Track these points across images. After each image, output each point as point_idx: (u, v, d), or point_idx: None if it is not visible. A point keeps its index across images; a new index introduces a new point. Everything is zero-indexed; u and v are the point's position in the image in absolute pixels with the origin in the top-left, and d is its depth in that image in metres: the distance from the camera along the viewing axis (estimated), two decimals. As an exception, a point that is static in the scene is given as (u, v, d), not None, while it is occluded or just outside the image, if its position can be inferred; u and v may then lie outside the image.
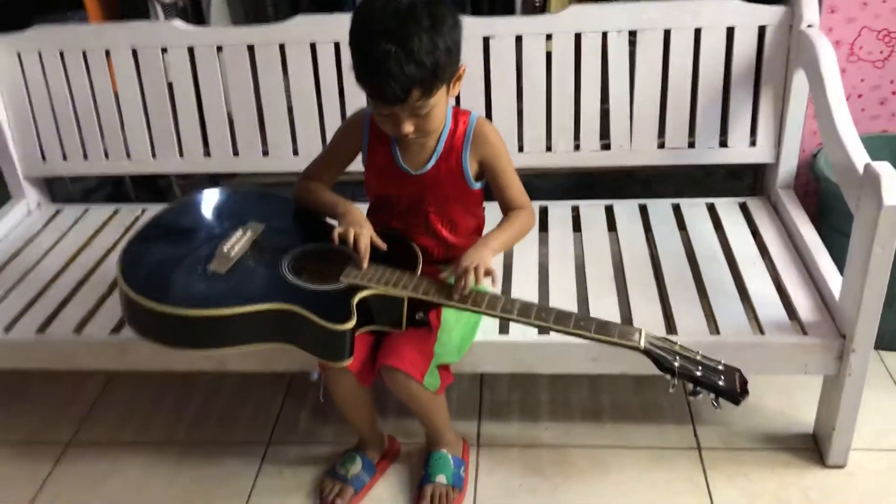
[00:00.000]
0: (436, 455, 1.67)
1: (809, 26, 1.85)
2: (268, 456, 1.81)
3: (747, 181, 2.39)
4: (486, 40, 1.99)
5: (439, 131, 1.51)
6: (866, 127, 2.07)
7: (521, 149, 2.08)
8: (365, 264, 1.48)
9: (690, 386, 1.36)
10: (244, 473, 1.77)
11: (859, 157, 1.52)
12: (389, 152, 1.56)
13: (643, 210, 2.09)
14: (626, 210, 2.09)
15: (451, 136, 1.53)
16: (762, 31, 1.92)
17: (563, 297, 1.76)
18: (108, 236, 2.11)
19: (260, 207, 1.71)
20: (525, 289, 1.79)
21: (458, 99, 2.02)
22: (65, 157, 2.19)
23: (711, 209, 2.08)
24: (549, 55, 1.99)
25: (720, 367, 1.38)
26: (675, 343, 1.41)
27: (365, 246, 1.47)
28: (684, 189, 2.45)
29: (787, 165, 2.02)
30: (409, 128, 1.41)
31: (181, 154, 2.17)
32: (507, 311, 1.43)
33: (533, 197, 1.65)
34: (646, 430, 1.81)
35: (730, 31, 1.93)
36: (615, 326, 1.41)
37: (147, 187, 2.72)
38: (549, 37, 1.97)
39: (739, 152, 2.04)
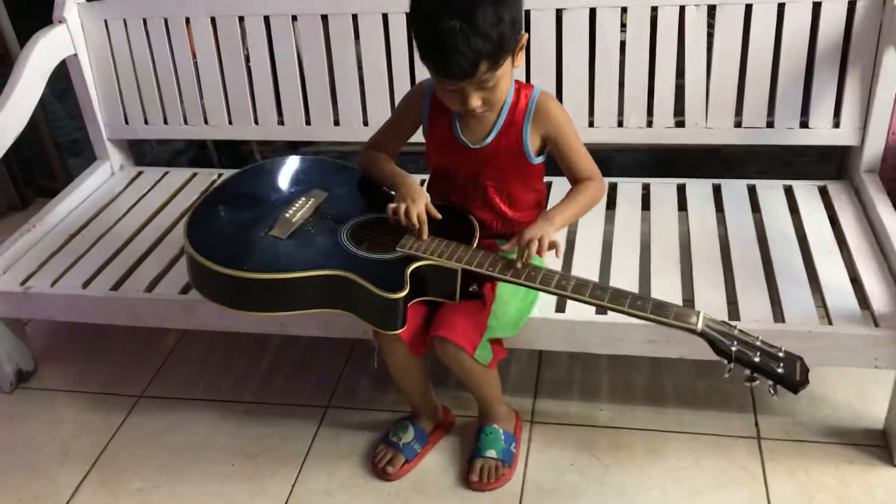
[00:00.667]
0: (487, 429, 1.68)
1: (904, 1, 1.74)
2: (325, 419, 1.86)
3: (835, 164, 2.28)
4: (559, 12, 1.95)
5: (498, 106, 1.50)
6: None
7: (591, 124, 2.04)
8: (425, 235, 1.48)
9: (748, 372, 1.32)
10: (302, 435, 1.81)
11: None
12: (449, 124, 1.55)
13: (717, 190, 2.03)
14: (699, 190, 2.02)
15: (511, 111, 1.52)
16: (852, 5, 1.82)
17: (623, 276, 1.73)
18: (185, 199, 2.19)
19: (327, 176, 1.73)
20: (586, 266, 1.77)
21: (527, 71, 2.00)
22: (146, 121, 2.27)
23: (789, 192, 2.00)
24: (623, 27, 1.94)
25: (780, 354, 1.33)
26: (735, 327, 1.37)
27: (418, 218, 1.48)
28: (771, 169, 2.36)
29: (873, 149, 1.92)
30: (476, 102, 1.41)
31: (256, 122, 2.22)
32: (562, 287, 1.42)
33: (606, 174, 1.62)
34: (705, 417, 1.77)
35: (816, 6, 1.84)
36: (672, 307, 1.37)
37: (229, 152, 2.79)
38: (623, 10, 1.92)
39: (822, 134, 1.95)
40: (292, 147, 2.86)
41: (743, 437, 1.71)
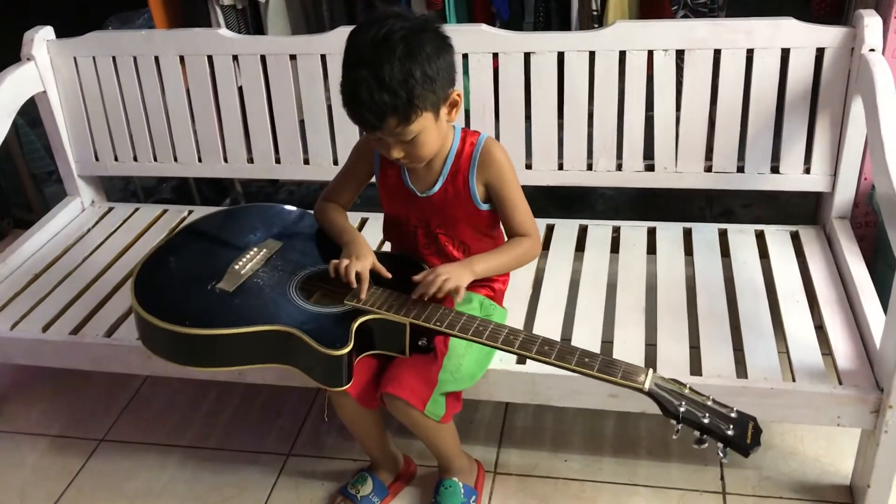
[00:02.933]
0: (447, 483, 1.65)
1: (871, 50, 1.72)
2: (286, 468, 1.83)
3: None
4: (527, 56, 1.93)
5: (443, 154, 1.50)
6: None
7: (560, 167, 2.02)
8: (363, 294, 1.46)
9: (696, 433, 1.29)
10: (262, 485, 1.79)
11: (907, 201, 1.41)
12: (398, 173, 1.54)
13: (687, 234, 2.01)
14: (668, 234, 2.00)
15: (457, 158, 1.51)
16: (820, 53, 1.81)
17: (588, 323, 1.72)
18: (154, 237, 2.17)
19: (283, 225, 1.72)
20: (551, 310, 1.75)
21: (496, 115, 1.99)
22: (116, 158, 2.26)
23: (760, 237, 1.97)
24: (591, 72, 1.92)
25: (732, 415, 1.30)
26: (686, 386, 1.34)
27: (358, 276, 1.46)
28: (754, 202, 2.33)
29: (844, 196, 1.90)
30: (397, 153, 1.41)
31: (226, 159, 2.20)
32: (509, 342, 1.39)
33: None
34: (672, 469, 1.74)
35: (785, 53, 1.82)
36: (621, 366, 1.35)
37: (211, 184, 2.78)
38: (592, 54, 1.91)
39: (793, 179, 1.93)
40: (272, 182, 2.86)
41: (709, 491, 1.68)
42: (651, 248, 1.98)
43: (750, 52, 1.84)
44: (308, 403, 1.99)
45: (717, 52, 1.85)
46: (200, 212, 2.15)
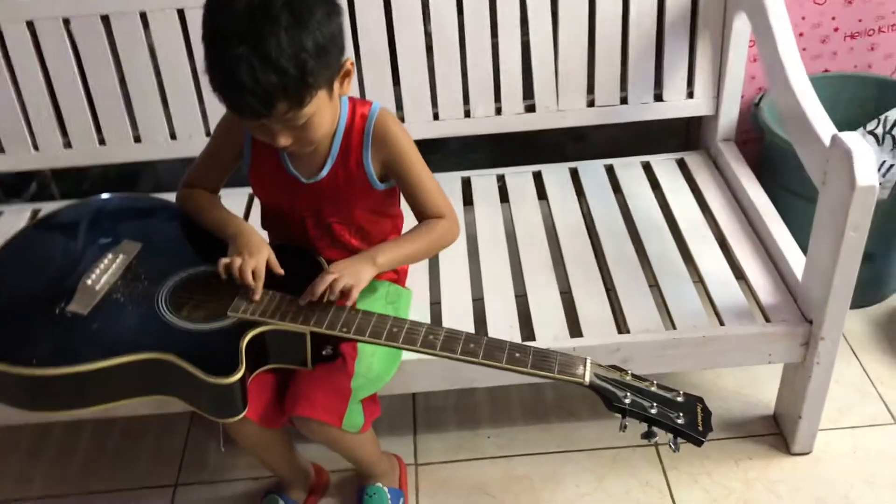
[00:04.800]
0: (370, 490, 1.47)
1: (751, -37, 1.64)
2: (176, 500, 1.58)
3: (682, 136, 2.18)
4: (386, -3, 1.71)
5: (329, 136, 1.26)
6: (808, 68, 1.88)
7: (436, 116, 1.83)
8: (257, 296, 1.23)
9: (645, 426, 1.17)
10: (151, 524, 1.54)
11: (823, 126, 1.34)
12: (276, 156, 1.29)
13: (574, 174, 1.89)
14: (556, 177, 1.88)
15: (346, 135, 1.28)
16: (697, -31, 1.71)
17: (498, 291, 1.57)
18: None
19: (139, 221, 1.42)
20: (457, 284, 1.59)
21: (359, 68, 1.75)
22: None
23: (647, 168, 1.89)
24: (459, 7, 1.73)
25: (679, 399, 1.18)
26: (628, 372, 1.20)
27: (254, 274, 1.22)
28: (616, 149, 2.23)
29: (728, 117, 1.84)
30: (284, 140, 1.16)
31: (36, 147, 1.83)
32: (430, 343, 1.20)
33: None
34: (596, 428, 1.65)
35: (661, -28, 1.71)
36: (555, 357, 1.19)
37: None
38: (460, -14, 1.71)
39: (676, 106, 1.85)
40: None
41: (640, 445, 1.61)
42: (541, 193, 1.85)
43: (625, -27, 1.71)
44: (186, 422, 1.73)
45: (592, -26, 1.71)
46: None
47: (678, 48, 1.78)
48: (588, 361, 1.19)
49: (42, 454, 1.70)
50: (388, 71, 1.77)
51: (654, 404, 1.16)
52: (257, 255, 1.24)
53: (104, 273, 1.29)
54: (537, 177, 1.89)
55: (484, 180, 1.88)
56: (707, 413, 1.18)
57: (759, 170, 1.82)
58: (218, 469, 1.63)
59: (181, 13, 1.71)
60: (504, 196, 1.85)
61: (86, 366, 1.15)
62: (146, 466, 1.65)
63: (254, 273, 1.23)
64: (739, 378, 1.72)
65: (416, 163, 1.33)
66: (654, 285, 1.57)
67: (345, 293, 1.21)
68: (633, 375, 1.20)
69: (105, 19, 1.71)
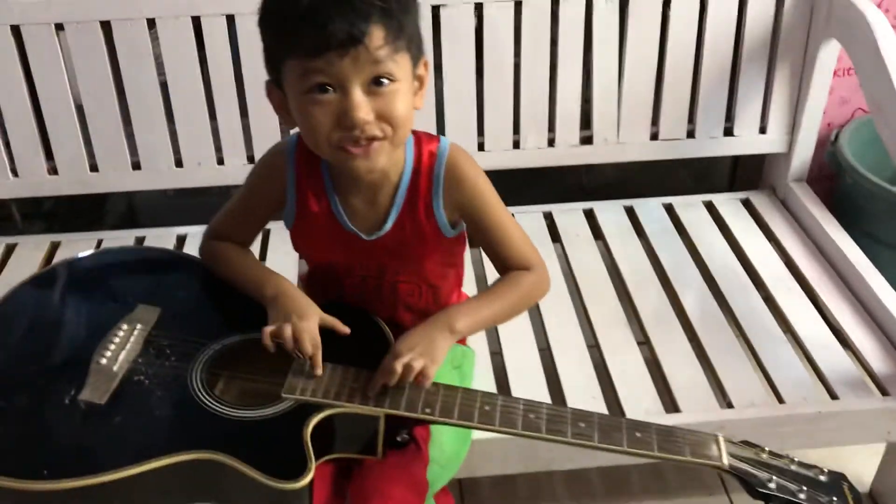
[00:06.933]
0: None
1: (853, -12, 1.47)
2: None
3: (722, 174, 2.01)
4: (435, 10, 1.49)
5: (391, 176, 1.04)
6: None
7: (481, 146, 1.62)
8: (319, 370, 1.01)
9: None
10: None
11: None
12: (328, 208, 1.06)
13: (630, 212, 1.70)
14: (610, 215, 1.69)
15: (414, 177, 1.06)
16: (781, -7, 1.54)
17: (571, 350, 1.37)
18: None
19: (152, 279, 1.17)
20: (519, 344, 1.38)
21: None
22: None
23: (710, 208, 1.72)
24: (517, 27, 1.53)
25: (822, 479, 1.00)
26: (764, 449, 1.02)
27: (312, 343, 1.00)
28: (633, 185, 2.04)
29: (802, 155, 1.67)
30: (366, 113, 0.92)
31: (14, 173, 1.56)
32: (533, 427, 1.00)
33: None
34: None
35: (742, -4, 1.54)
36: (681, 436, 1.00)
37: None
38: (518, 3, 1.51)
39: (746, 141, 1.67)
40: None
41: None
42: (596, 233, 1.66)
43: (703, -3, 1.53)
44: None
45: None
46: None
47: (754, 78, 1.61)
48: (721, 439, 0.99)
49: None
50: (432, 93, 1.56)
51: (803, 487, 0.97)
52: (308, 320, 1.02)
53: (120, 349, 1.03)
54: (588, 214, 1.70)
55: (530, 218, 1.68)
56: (856, 494, 0.99)
57: (833, 214, 1.66)
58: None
59: (196, 21, 1.47)
60: (554, 235, 1.66)
61: (112, 474, 0.89)
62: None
63: (312, 342, 1.00)
64: (825, 453, 1.54)
65: (497, 207, 1.11)
66: (744, 347, 1.39)
67: (419, 380, 0.99)
68: (771, 452, 1.01)
69: (106, 25, 1.46)
